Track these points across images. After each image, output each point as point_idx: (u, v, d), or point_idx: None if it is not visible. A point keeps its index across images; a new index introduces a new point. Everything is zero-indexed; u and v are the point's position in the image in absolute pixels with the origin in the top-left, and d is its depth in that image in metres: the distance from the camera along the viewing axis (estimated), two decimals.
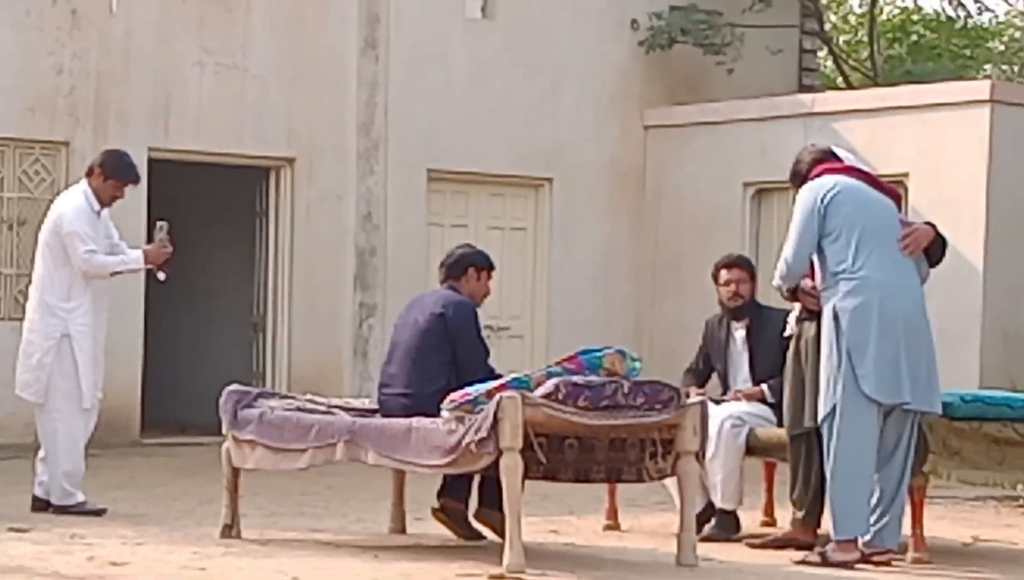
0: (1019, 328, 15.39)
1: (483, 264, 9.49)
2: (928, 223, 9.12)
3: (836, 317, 8.70)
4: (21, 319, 14.76)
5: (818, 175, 8.98)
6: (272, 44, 16.06)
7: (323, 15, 16.37)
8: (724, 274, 9.99)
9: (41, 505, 10.15)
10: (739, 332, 9.93)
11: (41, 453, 10.24)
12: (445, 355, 9.03)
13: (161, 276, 10.84)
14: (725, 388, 9.96)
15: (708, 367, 10.16)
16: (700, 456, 8.55)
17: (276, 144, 16.05)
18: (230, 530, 9.22)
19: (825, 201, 8.78)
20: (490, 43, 17.31)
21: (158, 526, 9.61)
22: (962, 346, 15.33)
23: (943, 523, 10.75)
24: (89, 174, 10.35)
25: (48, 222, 10.32)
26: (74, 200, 10.26)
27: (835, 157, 9.12)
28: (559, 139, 17.55)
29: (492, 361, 9.23)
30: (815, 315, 8.91)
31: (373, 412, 9.26)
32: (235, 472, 9.24)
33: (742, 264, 10.14)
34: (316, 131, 16.28)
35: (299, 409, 9.16)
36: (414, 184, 16.85)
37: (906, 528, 9.08)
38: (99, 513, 10.00)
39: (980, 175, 15.47)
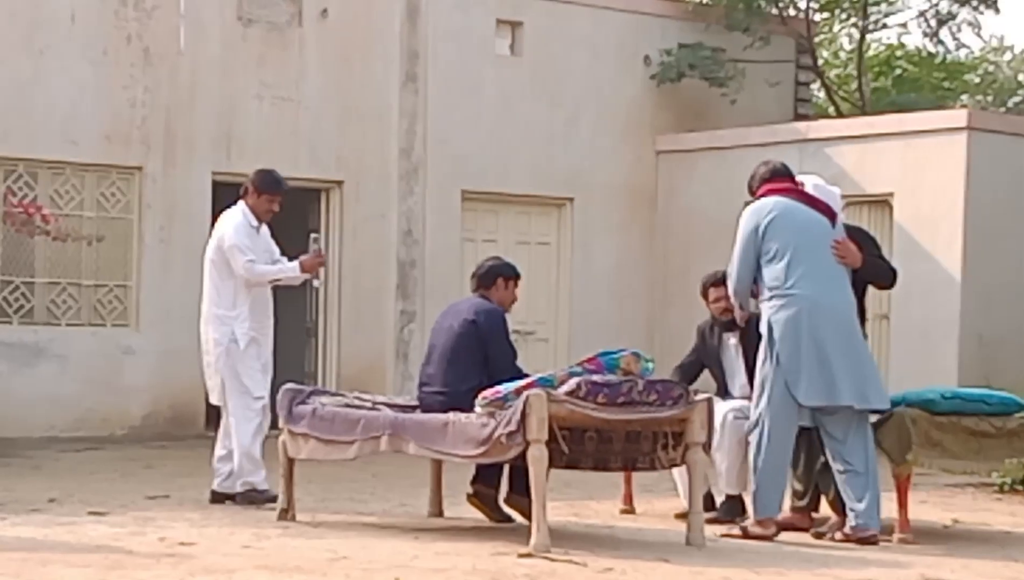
0: (993, 332, 15.33)
1: (510, 274, 9.47)
2: (859, 239, 9.05)
3: (770, 329, 8.77)
4: (100, 325, 15.04)
5: (763, 194, 8.99)
6: (323, 78, 16.09)
7: (368, 52, 16.39)
8: (712, 292, 9.80)
9: (219, 499, 9.94)
10: (731, 340, 9.80)
11: (220, 451, 10.02)
12: (478, 357, 9.01)
13: (316, 283, 10.77)
14: (724, 392, 9.84)
15: (696, 368, 9.96)
16: (707, 447, 8.53)
17: (327, 168, 16.06)
18: (286, 513, 9.21)
19: (763, 224, 8.83)
20: (517, 77, 17.30)
21: (222, 510, 9.60)
22: (942, 348, 15.29)
23: (925, 507, 10.71)
24: (244, 194, 10.14)
25: (212, 241, 10.15)
26: (234, 218, 10.08)
27: (784, 175, 9.06)
28: (579, 163, 17.53)
29: (520, 362, 9.21)
30: None
31: (413, 408, 9.25)
32: (290, 462, 9.23)
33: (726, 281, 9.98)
34: (362, 156, 16.29)
35: (347, 405, 9.15)
36: (449, 203, 16.85)
37: (893, 511, 9.07)
38: (270, 500, 9.67)
39: (958, 194, 15.41)
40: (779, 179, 9.05)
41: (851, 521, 8.79)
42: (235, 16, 15.67)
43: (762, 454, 8.77)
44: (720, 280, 9.69)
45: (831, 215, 8.95)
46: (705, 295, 9.90)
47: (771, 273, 8.79)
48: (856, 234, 9.18)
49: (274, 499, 9.50)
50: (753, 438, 8.81)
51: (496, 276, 9.42)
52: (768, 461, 8.77)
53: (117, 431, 14.88)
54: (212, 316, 10.08)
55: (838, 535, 8.86)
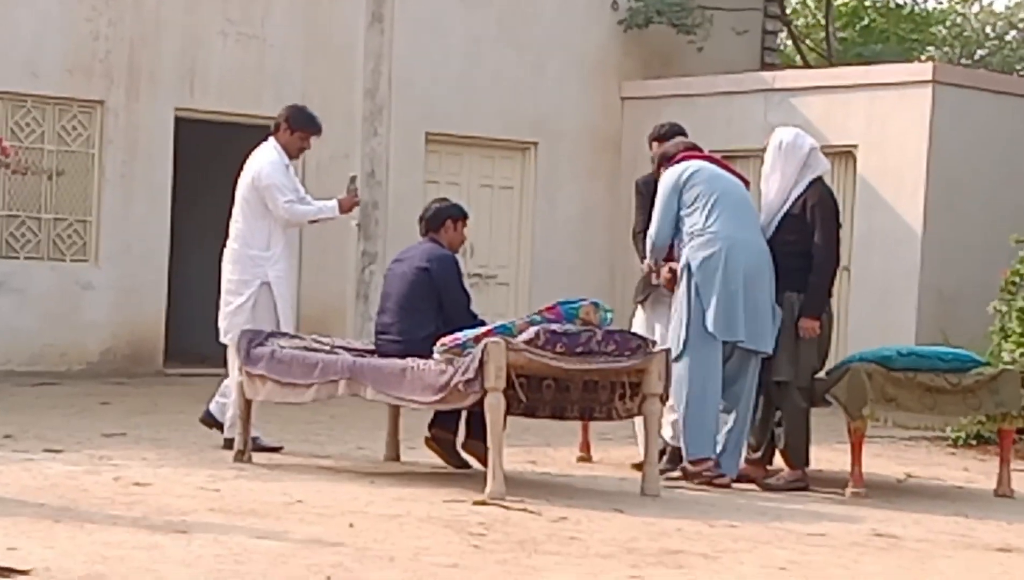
0: (953, 288, 15.39)
1: (458, 215, 9.47)
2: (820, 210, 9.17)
3: (688, 267, 9.05)
4: (60, 260, 14.96)
5: (680, 160, 9.31)
6: (289, 16, 15.97)
7: None
8: (656, 146, 9.73)
9: (208, 421, 9.83)
10: None
11: (226, 382, 9.76)
12: (432, 304, 9.01)
13: (353, 223, 10.67)
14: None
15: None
16: (663, 398, 8.56)
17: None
18: (242, 455, 9.21)
19: (683, 179, 9.17)
20: (484, 20, 17.22)
21: (178, 450, 9.60)
22: (901, 303, 15.37)
23: (880, 461, 10.80)
24: (276, 130, 9.95)
25: (245, 178, 9.89)
26: (268, 156, 9.85)
27: (697, 149, 9.48)
28: (544, 107, 17.49)
29: (480, 306, 9.21)
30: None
31: (371, 352, 9.24)
32: (248, 403, 9.23)
33: (669, 135, 9.83)
34: (327, 96, 16.19)
35: (305, 348, 9.14)
36: (413, 145, 16.79)
37: (846, 465, 9.14)
38: (275, 450, 9.65)
39: (922, 148, 15.44)
40: (694, 150, 9.45)
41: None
42: None
43: (688, 391, 8.95)
44: (663, 135, 9.81)
45: (744, 181, 9.44)
46: (668, 138, 9.81)
47: (692, 220, 9.11)
48: (818, 207, 9.20)
49: (273, 449, 9.55)
50: (680, 376, 8.88)
51: (444, 218, 9.41)
52: (695, 399, 8.96)
53: (75, 367, 14.83)
54: (243, 256, 9.80)
55: (688, 468, 9.04)
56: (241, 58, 15.67)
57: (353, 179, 10.44)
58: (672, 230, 9.20)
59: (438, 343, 8.34)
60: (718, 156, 9.66)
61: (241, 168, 10.14)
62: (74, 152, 15.08)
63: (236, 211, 9.94)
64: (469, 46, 17.07)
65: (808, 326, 9.07)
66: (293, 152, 10.00)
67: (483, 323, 8.75)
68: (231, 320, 9.79)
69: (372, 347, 9.40)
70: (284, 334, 9.48)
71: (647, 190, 9.67)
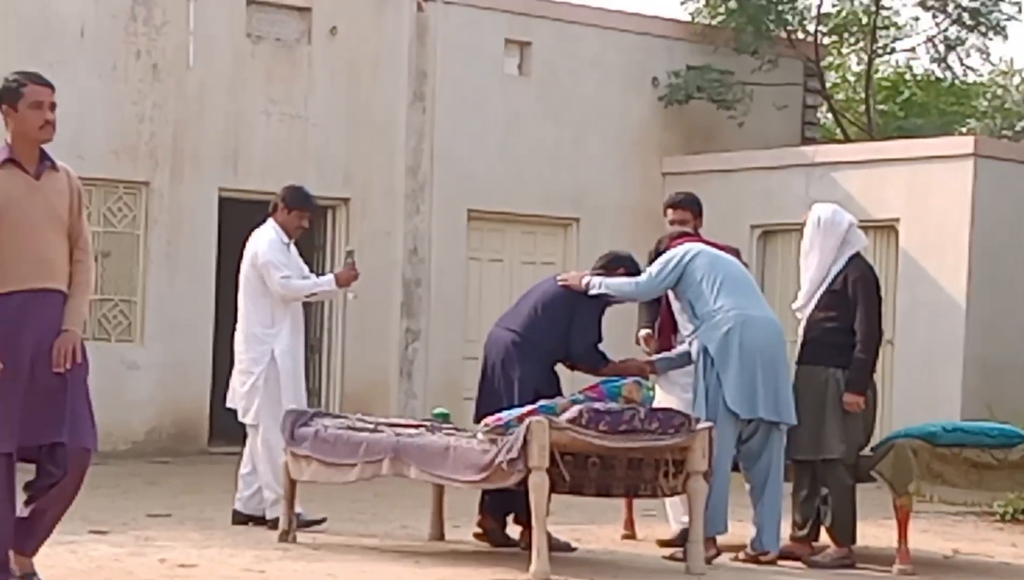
0: (997, 358, 15.32)
1: (632, 268, 9.57)
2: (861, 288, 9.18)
3: (705, 349, 9.04)
4: (106, 340, 15.02)
5: (677, 244, 9.42)
6: (331, 96, 16.11)
7: (377, 70, 16.41)
8: (671, 213, 9.88)
9: (241, 519, 9.85)
10: None
11: (245, 468, 9.92)
12: (563, 317, 9.19)
13: (351, 296, 10.75)
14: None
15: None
16: (708, 475, 8.53)
17: (333, 185, 16.06)
18: (287, 535, 9.22)
19: (684, 260, 9.20)
20: (525, 97, 17.33)
21: (223, 530, 9.60)
22: (946, 374, 15.30)
23: (927, 536, 10.71)
24: (274, 211, 10.06)
25: (245, 259, 10.03)
26: (266, 235, 9.97)
27: (690, 234, 9.57)
28: (585, 183, 17.55)
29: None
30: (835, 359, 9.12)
31: (418, 427, 9.24)
32: (293, 483, 9.25)
33: (688, 204, 9.95)
34: (369, 174, 16.32)
35: (349, 427, 9.16)
36: (455, 222, 16.86)
37: (893, 541, 9.08)
38: (318, 523, 9.72)
39: (964, 220, 15.42)
40: (688, 237, 9.52)
41: (750, 540, 9.05)
42: (244, 32, 15.70)
43: None
44: (677, 203, 9.90)
45: (736, 254, 9.59)
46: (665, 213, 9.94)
47: (700, 304, 9.13)
48: (859, 282, 9.19)
49: (316, 522, 9.56)
50: None
51: (618, 266, 9.55)
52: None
53: (120, 446, 14.86)
54: (250, 335, 9.92)
55: (741, 555, 9.03)
56: (284, 137, 15.80)
57: (350, 253, 10.52)
58: (655, 295, 9.31)
59: (482, 422, 8.35)
60: (710, 238, 9.69)
61: None
62: (120, 233, 15.20)
63: (240, 292, 10.11)
64: (510, 122, 17.16)
65: (852, 402, 9.04)
66: (291, 231, 10.10)
67: (605, 359, 9.14)
68: (248, 399, 9.91)
69: (417, 423, 9.43)
70: (328, 414, 9.51)
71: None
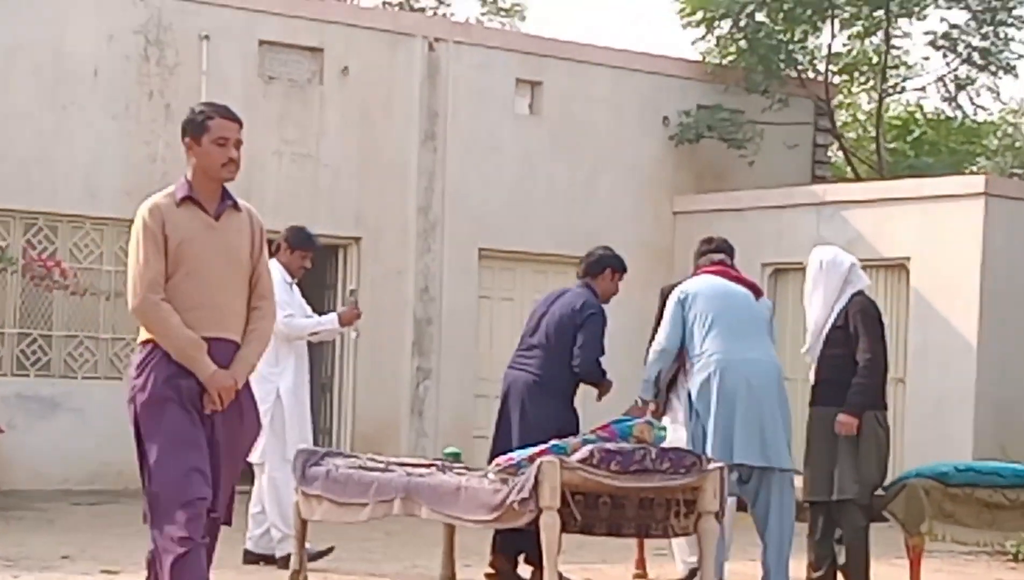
0: (1010, 399, 15.30)
1: (619, 267, 9.74)
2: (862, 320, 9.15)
3: (689, 394, 9.12)
4: (117, 378, 15.03)
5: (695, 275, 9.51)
6: (343, 136, 16.17)
7: (388, 111, 16.48)
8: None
9: (252, 559, 9.86)
10: None
11: (255, 507, 9.93)
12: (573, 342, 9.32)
13: (353, 334, 10.73)
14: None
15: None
16: (719, 516, 8.50)
17: (345, 225, 16.11)
18: (298, 575, 9.18)
19: (685, 300, 9.23)
20: (536, 137, 17.38)
21: (234, 569, 9.59)
22: (957, 415, 15.27)
23: (939, 576, 10.69)
24: (277, 251, 10.03)
25: None
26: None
27: (716, 263, 9.51)
28: (597, 222, 17.57)
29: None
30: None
31: (429, 467, 9.24)
32: (304, 523, 9.23)
33: (732, 254, 9.84)
34: (380, 213, 16.36)
35: (361, 467, 9.14)
36: (467, 261, 16.89)
37: None
38: (326, 553, 9.77)
39: (975, 260, 15.42)
40: (709, 265, 9.54)
41: None
42: (256, 73, 15.78)
43: None
44: (727, 252, 9.76)
45: (755, 290, 9.46)
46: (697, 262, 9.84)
47: (691, 345, 9.18)
48: (859, 315, 9.19)
49: (324, 553, 9.55)
50: None
51: (606, 266, 9.70)
52: None
53: (131, 485, 14.79)
54: (255, 375, 9.96)
55: None
56: (296, 177, 15.85)
57: (352, 292, 10.59)
58: (677, 344, 9.24)
59: (492, 463, 8.34)
60: (733, 270, 9.59)
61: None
62: None
63: None
64: (521, 161, 17.21)
65: (846, 422, 8.96)
66: (295, 271, 10.13)
67: (605, 375, 9.31)
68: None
69: (428, 462, 9.42)
70: (339, 453, 9.50)
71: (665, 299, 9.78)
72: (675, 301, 9.31)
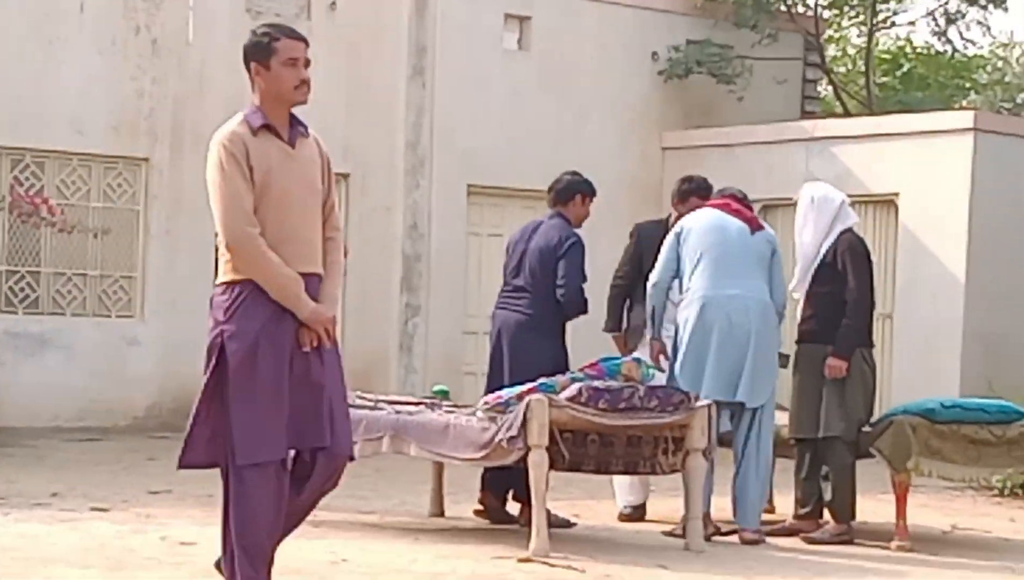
0: (997, 335, 15.34)
1: (588, 191, 9.66)
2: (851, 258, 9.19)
3: (676, 328, 9.21)
4: (106, 316, 15.07)
5: (697, 207, 9.51)
6: (330, 71, 16.06)
7: (376, 46, 16.41)
8: (695, 201, 9.69)
9: None
10: None
11: None
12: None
13: None
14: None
15: (634, 273, 9.84)
16: (707, 453, 8.55)
17: (333, 160, 15.89)
18: None
19: (680, 234, 9.25)
20: (524, 72, 17.32)
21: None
22: (945, 351, 15.31)
23: (925, 511, 10.75)
24: None
25: None
26: None
27: (725, 196, 9.45)
28: (585, 158, 17.43)
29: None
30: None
31: (417, 405, 9.27)
32: None
33: (710, 194, 9.74)
34: (369, 149, 16.32)
35: (349, 405, 9.15)
36: (455, 197, 16.87)
37: (891, 516, 9.12)
38: None
39: (963, 195, 15.43)
40: (714, 197, 9.53)
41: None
42: (244, 8, 15.69)
43: None
44: (706, 192, 9.73)
45: (753, 224, 9.29)
46: (685, 200, 9.79)
47: (682, 280, 9.21)
48: (848, 253, 9.21)
49: None
50: None
51: (575, 192, 9.63)
52: None
53: (121, 422, 14.92)
54: None
55: (724, 528, 9.13)
56: None
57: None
58: (670, 278, 9.25)
59: (481, 401, 8.37)
60: (739, 202, 9.45)
61: None
62: (119, 209, 15.21)
63: None
64: (510, 98, 17.16)
65: (835, 365, 9.02)
66: None
67: (585, 302, 9.22)
68: None
69: (416, 400, 9.45)
70: None
71: (648, 236, 9.81)
72: (673, 235, 9.32)
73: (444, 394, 9.79)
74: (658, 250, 9.41)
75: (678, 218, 9.64)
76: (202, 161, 15.88)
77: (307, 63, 6.07)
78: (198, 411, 5.99)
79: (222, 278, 5.93)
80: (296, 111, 6.21)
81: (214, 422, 5.96)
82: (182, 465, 6.13)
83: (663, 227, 9.82)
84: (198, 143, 15.34)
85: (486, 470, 9.17)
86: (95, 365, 14.92)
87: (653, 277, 9.33)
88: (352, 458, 6.13)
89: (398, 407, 9.20)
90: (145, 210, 15.28)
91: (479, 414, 8.35)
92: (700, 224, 9.22)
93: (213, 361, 5.90)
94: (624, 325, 10.00)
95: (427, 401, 9.50)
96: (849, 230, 9.35)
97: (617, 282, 9.96)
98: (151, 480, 10.84)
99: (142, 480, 10.85)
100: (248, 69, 6.09)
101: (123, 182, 15.24)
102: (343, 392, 6.11)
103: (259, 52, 6.04)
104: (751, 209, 9.43)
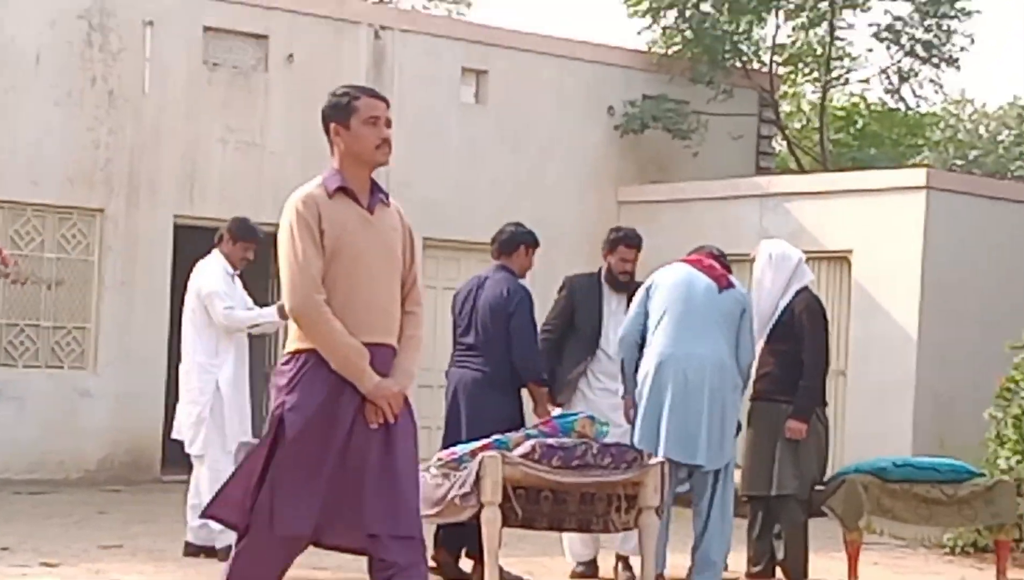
0: (949, 392, 15.41)
1: (531, 242, 9.67)
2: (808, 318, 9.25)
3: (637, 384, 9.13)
4: (59, 367, 14.99)
5: (625, 258, 9.58)
6: (288, 123, 16.11)
7: None
8: (623, 250, 9.70)
9: (193, 551, 9.78)
10: (615, 300, 9.70)
11: (193, 499, 9.83)
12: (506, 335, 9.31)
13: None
14: (593, 349, 9.61)
15: (564, 326, 9.74)
16: (660, 511, 8.56)
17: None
18: None
19: (650, 289, 9.21)
20: (482, 125, 17.39)
21: (175, 562, 9.57)
22: (897, 407, 15.37)
23: (876, 570, 10.76)
24: (219, 242, 10.08)
25: (190, 290, 10.02)
26: (211, 266, 10.01)
27: (700, 253, 9.39)
28: (542, 211, 17.52)
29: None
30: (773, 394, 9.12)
31: None
32: None
33: (639, 244, 9.81)
34: None
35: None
36: None
37: (844, 574, 9.13)
38: None
39: (916, 253, 15.53)
40: (629, 244, 9.63)
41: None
42: (200, 60, 15.71)
43: None
44: (636, 242, 9.75)
45: (721, 282, 9.16)
46: (613, 250, 9.76)
47: (648, 335, 9.16)
48: (805, 313, 9.27)
49: None
50: None
51: (519, 243, 9.65)
52: None
53: (73, 474, 14.83)
54: (194, 365, 9.94)
55: None
56: (240, 165, 15.79)
57: None
58: (638, 332, 9.15)
59: (435, 458, 8.37)
60: (713, 259, 9.41)
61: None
62: (74, 260, 15.17)
63: (185, 321, 10.09)
64: (467, 151, 17.21)
65: (796, 428, 9.08)
66: (236, 262, 10.13)
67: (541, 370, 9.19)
68: (194, 430, 9.90)
69: None
70: None
71: (579, 290, 9.75)
72: (643, 289, 9.28)
73: None
74: (588, 302, 9.43)
75: (608, 269, 9.63)
76: (159, 211, 15.95)
77: (388, 123, 5.88)
78: (244, 468, 5.75)
79: (289, 346, 5.73)
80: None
81: (256, 487, 5.68)
82: (205, 515, 5.94)
83: (595, 279, 9.82)
84: (154, 194, 15.40)
85: (439, 527, 9.15)
86: (47, 417, 14.84)
87: (620, 331, 9.28)
88: (418, 538, 5.72)
89: None
90: (99, 261, 15.23)
91: (432, 470, 8.34)
92: (669, 280, 9.18)
93: (272, 434, 5.65)
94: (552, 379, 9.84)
95: None
96: (806, 289, 9.42)
97: (545, 335, 9.69)
98: (102, 534, 10.78)
99: (93, 534, 10.78)
100: (327, 131, 5.94)
101: (77, 233, 15.20)
102: (414, 469, 5.79)
103: (339, 112, 5.91)
104: (727, 268, 9.28)
